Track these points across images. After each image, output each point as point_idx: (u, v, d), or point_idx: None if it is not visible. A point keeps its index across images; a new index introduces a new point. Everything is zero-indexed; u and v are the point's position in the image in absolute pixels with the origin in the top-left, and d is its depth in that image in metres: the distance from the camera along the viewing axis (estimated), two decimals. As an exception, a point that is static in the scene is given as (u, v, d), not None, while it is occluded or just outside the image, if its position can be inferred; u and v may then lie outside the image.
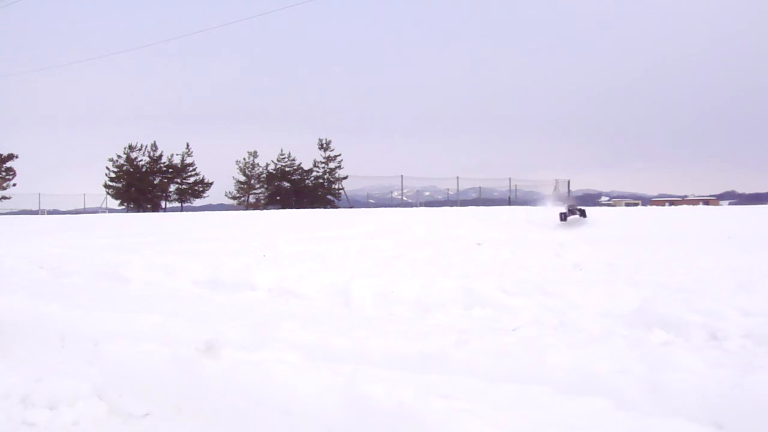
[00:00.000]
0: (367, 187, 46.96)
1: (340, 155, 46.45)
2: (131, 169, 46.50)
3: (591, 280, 6.34)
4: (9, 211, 41.58)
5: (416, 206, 34.40)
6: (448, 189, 42.92)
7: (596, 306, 5.04)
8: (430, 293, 5.66)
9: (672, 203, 46.01)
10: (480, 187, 43.75)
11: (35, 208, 42.98)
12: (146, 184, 46.65)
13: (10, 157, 44.82)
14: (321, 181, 46.68)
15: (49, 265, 8.45)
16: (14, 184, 45.00)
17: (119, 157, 46.65)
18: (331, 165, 46.51)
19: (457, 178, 41.58)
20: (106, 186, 46.32)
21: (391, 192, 44.03)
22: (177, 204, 47.81)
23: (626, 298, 5.12)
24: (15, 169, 45.09)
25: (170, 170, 47.58)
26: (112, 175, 46.51)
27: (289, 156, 47.02)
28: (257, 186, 47.63)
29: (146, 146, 47.40)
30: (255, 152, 47.41)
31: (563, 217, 14.99)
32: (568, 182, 42.41)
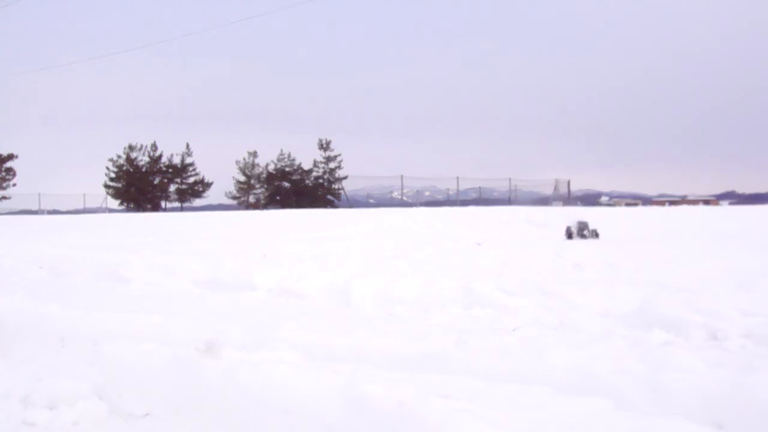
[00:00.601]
0: (367, 187, 46.98)
1: (340, 155, 46.51)
2: (131, 169, 46.49)
3: (591, 280, 6.35)
4: (9, 211, 41.58)
5: (416, 206, 34.41)
6: (448, 189, 42.95)
7: (596, 306, 5.04)
8: (430, 293, 5.66)
9: (672, 203, 45.99)
10: (480, 187, 43.78)
11: (35, 208, 42.97)
12: (146, 184, 46.65)
13: (10, 157, 44.82)
14: (321, 181, 46.69)
15: (49, 265, 8.46)
16: (14, 184, 45.02)
17: (119, 157, 46.68)
18: (331, 165, 46.53)
19: (457, 178, 41.62)
20: (106, 186, 46.35)
21: (391, 192, 44.05)
22: (177, 204, 47.81)
23: (626, 298, 5.12)
24: (15, 169, 45.11)
25: (170, 170, 47.58)
26: (112, 175, 46.53)
27: (289, 156, 47.05)
28: (257, 186, 47.64)
29: (146, 146, 47.42)
30: (255, 152, 47.44)
31: (570, 234, 13.52)
32: (568, 182, 42.45)
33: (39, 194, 43.80)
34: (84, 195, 45.59)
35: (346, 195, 45.73)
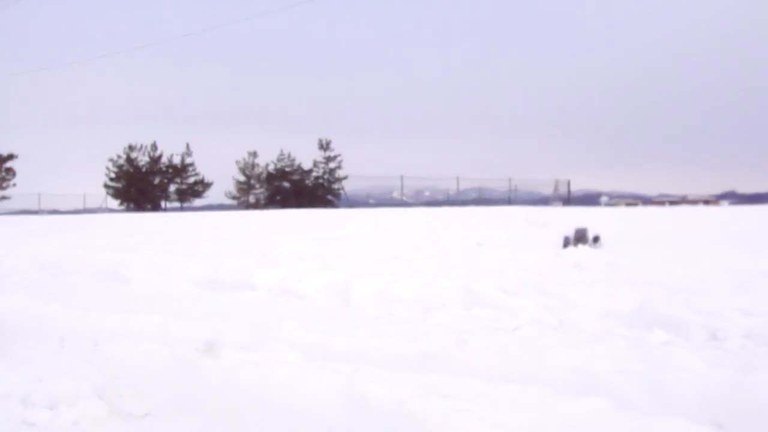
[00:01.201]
0: (367, 187, 46.98)
1: (340, 155, 46.49)
2: (131, 169, 46.49)
3: (591, 280, 6.34)
4: (9, 211, 41.55)
5: (416, 206, 34.40)
6: (448, 189, 42.96)
7: (596, 306, 5.04)
8: (430, 293, 5.66)
9: (672, 203, 45.95)
10: (480, 187, 43.79)
11: (35, 208, 42.92)
12: (146, 184, 46.64)
13: (10, 157, 44.81)
14: (321, 181, 46.68)
15: (50, 266, 8.45)
16: (14, 184, 45.01)
17: (119, 157, 46.67)
18: (331, 165, 46.53)
19: (457, 178, 41.65)
20: (106, 186, 46.33)
21: (391, 192, 44.04)
22: (177, 204, 47.79)
23: (626, 298, 5.12)
24: (15, 169, 45.10)
25: (170, 170, 47.57)
26: (112, 175, 46.51)
27: (289, 156, 47.04)
28: (257, 186, 47.63)
29: (146, 146, 47.41)
30: (255, 152, 47.41)
31: (567, 242, 12.49)
32: (568, 182, 42.44)
33: (39, 194, 43.78)
34: (84, 195, 45.58)
35: (346, 195, 45.75)
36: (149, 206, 46.14)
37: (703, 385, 2.69)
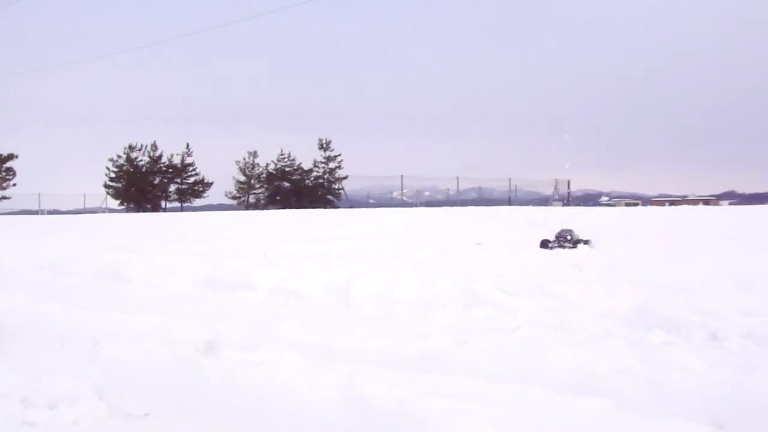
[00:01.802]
0: (367, 187, 46.99)
1: (340, 155, 46.48)
2: (131, 169, 46.48)
3: (591, 280, 6.34)
4: (9, 211, 41.55)
5: (416, 206, 34.40)
6: (448, 189, 42.94)
7: (596, 306, 5.04)
8: (430, 293, 5.66)
9: (672, 203, 45.97)
10: (480, 187, 43.78)
11: (35, 208, 42.93)
12: (146, 184, 46.63)
13: (10, 157, 44.80)
14: (321, 181, 46.66)
15: (50, 265, 8.45)
16: (14, 184, 44.99)
17: (119, 157, 46.67)
18: (331, 165, 46.51)
19: (457, 178, 41.63)
20: (106, 186, 46.33)
21: (391, 192, 44.04)
22: (177, 204, 47.79)
23: (626, 298, 5.12)
24: (15, 169, 45.09)
25: (170, 170, 47.57)
26: (112, 175, 46.51)
27: (289, 156, 47.04)
28: (257, 186, 47.63)
29: (146, 146, 47.41)
30: (255, 152, 47.43)
31: (546, 244, 11.43)
32: (568, 182, 42.43)
33: (39, 194, 43.79)
34: (84, 195, 45.60)
35: (346, 195, 45.74)
36: (149, 206, 46.13)
37: (703, 385, 2.69)
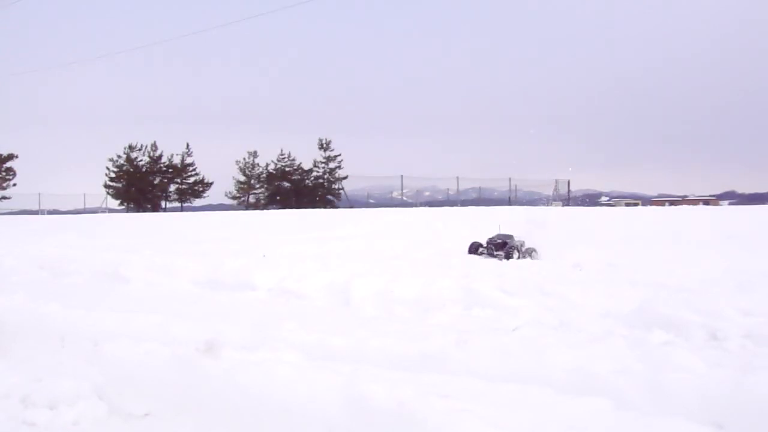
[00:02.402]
0: (367, 187, 46.98)
1: (340, 155, 46.47)
2: (131, 169, 46.48)
3: (591, 280, 6.34)
4: (9, 211, 41.53)
5: (416, 206, 34.39)
6: (448, 189, 42.93)
7: (596, 306, 5.04)
8: (430, 293, 5.66)
9: (672, 203, 45.97)
10: (480, 187, 43.76)
11: (35, 208, 42.91)
12: (146, 184, 46.62)
13: (10, 157, 44.79)
14: (321, 181, 46.66)
15: (50, 265, 8.45)
16: (14, 184, 44.98)
17: (119, 157, 46.66)
18: (331, 165, 46.50)
19: (457, 178, 41.61)
20: (106, 186, 46.31)
21: (391, 192, 44.03)
22: (177, 204, 47.78)
23: (626, 298, 5.12)
24: (15, 169, 45.08)
25: (170, 170, 47.56)
26: (112, 175, 46.51)
27: (289, 156, 47.03)
28: (257, 186, 47.62)
29: (146, 146, 47.41)
30: (255, 152, 47.43)
31: (476, 248, 9.83)
32: (568, 182, 42.41)
33: (39, 194, 43.75)
34: (84, 195, 45.56)
35: (346, 195, 45.72)
36: (149, 206, 46.12)
37: (703, 385, 2.69)
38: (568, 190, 42.31)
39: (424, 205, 35.78)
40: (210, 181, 48.29)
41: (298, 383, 2.66)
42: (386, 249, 10.71)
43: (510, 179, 41.71)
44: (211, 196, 49.08)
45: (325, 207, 40.13)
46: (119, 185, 46.53)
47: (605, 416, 2.31)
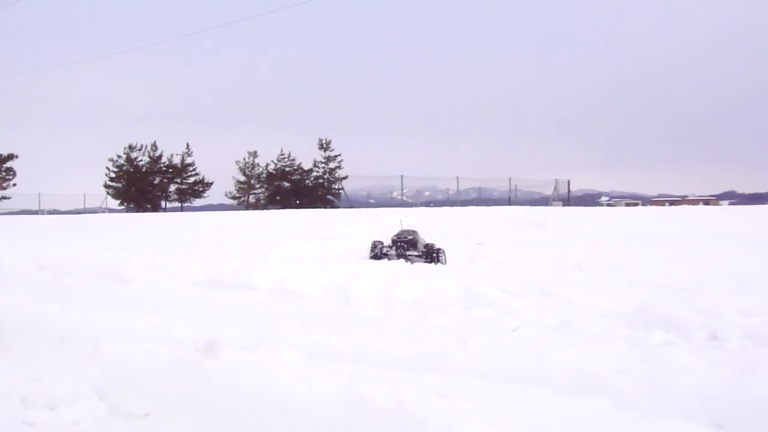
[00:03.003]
0: (367, 187, 46.93)
1: (340, 155, 46.42)
2: (131, 169, 46.43)
3: (591, 280, 6.35)
4: (9, 211, 41.49)
5: (416, 206, 34.36)
6: (448, 189, 42.88)
7: (596, 306, 5.04)
8: (430, 293, 5.66)
9: (672, 203, 45.95)
10: (480, 187, 43.71)
11: (35, 208, 42.84)
12: (146, 184, 46.57)
13: (10, 157, 44.73)
14: (321, 181, 46.61)
15: (50, 265, 8.45)
16: (14, 184, 44.92)
17: (119, 157, 46.60)
18: (331, 165, 46.45)
19: (457, 178, 41.55)
20: (106, 186, 46.25)
21: (391, 192, 43.97)
22: (177, 204, 47.72)
23: (626, 298, 5.12)
24: (15, 169, 45.02)
25: (170, 170, 47.51)
26: (112, 175, 46.45)
27: (289, 156, 46.97)
28: (257, 186, 47.57)
29: (146, 146, 47.34)
30: (255, 152, 47.37)
31: (378, 252, 8.82)
32: (568, 182, 42.37)
33: (39, 194, 43.69)
34: (84, 195, 45.50)
35: (346, 195, 45.69)
36: (149, 206, 46.09)
37: (703, 385, 2.69)
38: (568, 190, 42.29)
39: (424, 205, 35.74)
40: (210, 181, 48.24)
41: (298, 383, 2.66)
42: (386, 249, 10.68)
43: (510, 179, 41.66)
44: (211, 196, 49.04)
45: (325, 207, 40.09)
46: (119, 185, 46.49)
47: (605, 416, 2.31)
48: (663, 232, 13.93)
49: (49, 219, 27.28)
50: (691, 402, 2.62)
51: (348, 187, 45.88)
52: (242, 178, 47.74)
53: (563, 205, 35.17)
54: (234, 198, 47.83)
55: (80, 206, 44.41)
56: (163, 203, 47.90)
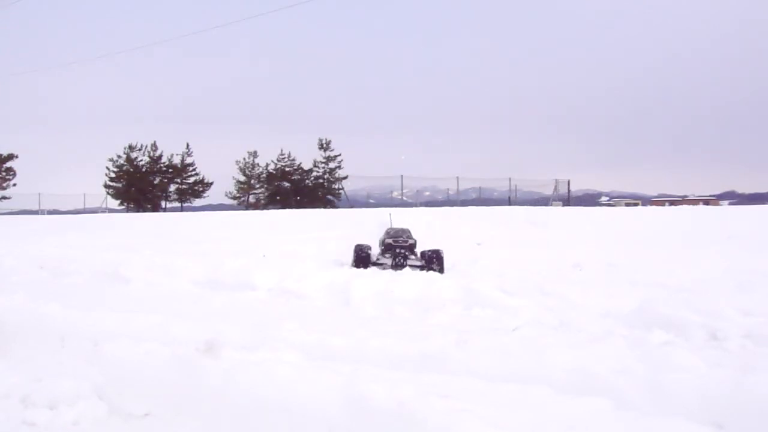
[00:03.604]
0: (367, 187, 46.87)
1: (340, 155, 46.42)
2: (131, 169, 46.42)
3: (591, 280, 6.35)
4: (9, 211, 41.47)
5: (416, 206, 34.35)
6: (448, 189, 42.85)
7: (596, 306, 5.04)
8: (430, 293, 5.66)
9: (672, 203, 45.96)
10: (480, 187, 43.68)
11: (35, 208, 42.82)
12: (146, 184, 46.56)
13: (10, 157, 44.73)
14: (321, 181, 46.61)
15: (50, 265, 8.45)
16: (14, 184, 44.91)
17: (119, 157, 46.58)
18: (331, 165, 46.44)
19: (457, 178, 41.52)
20: (106, 186, 46.23)
21: (391, 192, 43.95)
22: (177, 204, 47.71)
23: (626, 298, 5.12)
24: (15, 169, 45.01)
25: (170, 170, 47.50)
26: (112, 175, 46.44)
27: (289, 156, 46.96)
28: (257, 186, 47.56)
29: (146, 146, 47.32)
30: (255, 152, 47.38)
31: (362, 259, 7.16)
32: (568, 182, 42.35)
33: (39, 194, 43.68)
34: (84, 195, 45.50)
35: (346, 195, 45.67)
36: (149, 206, 46.08)
37: (703, 385, 2.69)
38: (568, 190, 42.27)
39: (424, 205, 35.73)
40: (210, 181, 48.22)
41: (298, 383, 2.66)
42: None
43: (510, 179, 41.64)
44: (211, 196, 49.02)
45: (325, 207, 40.09)
46: (119, 185, 46.48)
47: (605, 416, 2.31)
48: (663, 232, 13.92)
49: (49, 219, 27.27)
50: (691, 402, 2.62)
51: (348, 187, 45.86)
52: (242, 178, 47.73)
53: (563, 205, 35.15)
54: (234, 198, 47.81)
55: (80, 206, 44.39)
56: (163, 203, 47.89)
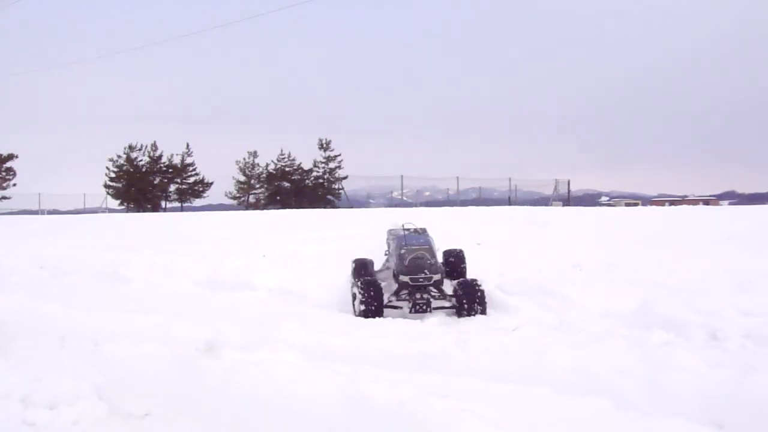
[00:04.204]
0: (367, 187, 46.87)
1: (340, 155, 46.43)
2: (131, 169, 46.42)
3: (591, 280, 6.34)
4: (9, 211, 41.47)
5: (416, 206, 34.35)
6: (448, 189, 42.85)
7: (596, 306, 5.04)
8: (430, 293, 5.64)
9: (672, 203, 45.96)
10: (480, 187, 43.68)
11: (35, 208, 42.80)
12: (146, 184, 46.57)
13: (10, 157, 44.74)
14: (321, 181, 46.61)
15: (50, 266, 8.45)
16: (14, 184, 44.91)
17: (119, 157, 46.59)
18: (331, 165, 46.45)
19: (457, 178, 41.52)
20: (106, 186, 46.23)
21: (391, 192, 43.96)
22: (177, 204, 47.72)
23: (626, 298, 5.11)
24: (15, 169, 45.03)
25: (170, 170, 47.51)
26: (112, 175, 46.44)
27: (289, 156, 46.97)
28: (257, 186, 47.57)
29: (146, 146, 47.33)
30: (255, 152, 47.39)
31: (373, 295, 5.08)
32: (568, 182, 42.36)
33: (39, 194, 43.66)
34: (84, 195, 45.48)
35: (346, 195, 45.67)
36: (149, 206, 46.09)
37: (703, 385, 2.69)
38: (568, 190, 42.27)
39: (424, 205, 35.73)
40: (210, 181, 48.23)
41: (298, 383, 2.66)
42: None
43: (510, 179, 41.65)
44: (211, 196, 49.02)
45: (325, 207, 40.08)
46: (119, 185, 46.48)
47: (605, 416, 2.31)
48: (663, 232, 13.92)
49: (49, 219, 27.27)
50: (691, 402, 2.62)
51: (348, 187, 45.86)
52: (242, 178, 47.73)
53: (563, 205, 35.15)
54: (234, 198, 47.81)
55: (80, 206, 44.38)
56: (163, 203, 47.89)
